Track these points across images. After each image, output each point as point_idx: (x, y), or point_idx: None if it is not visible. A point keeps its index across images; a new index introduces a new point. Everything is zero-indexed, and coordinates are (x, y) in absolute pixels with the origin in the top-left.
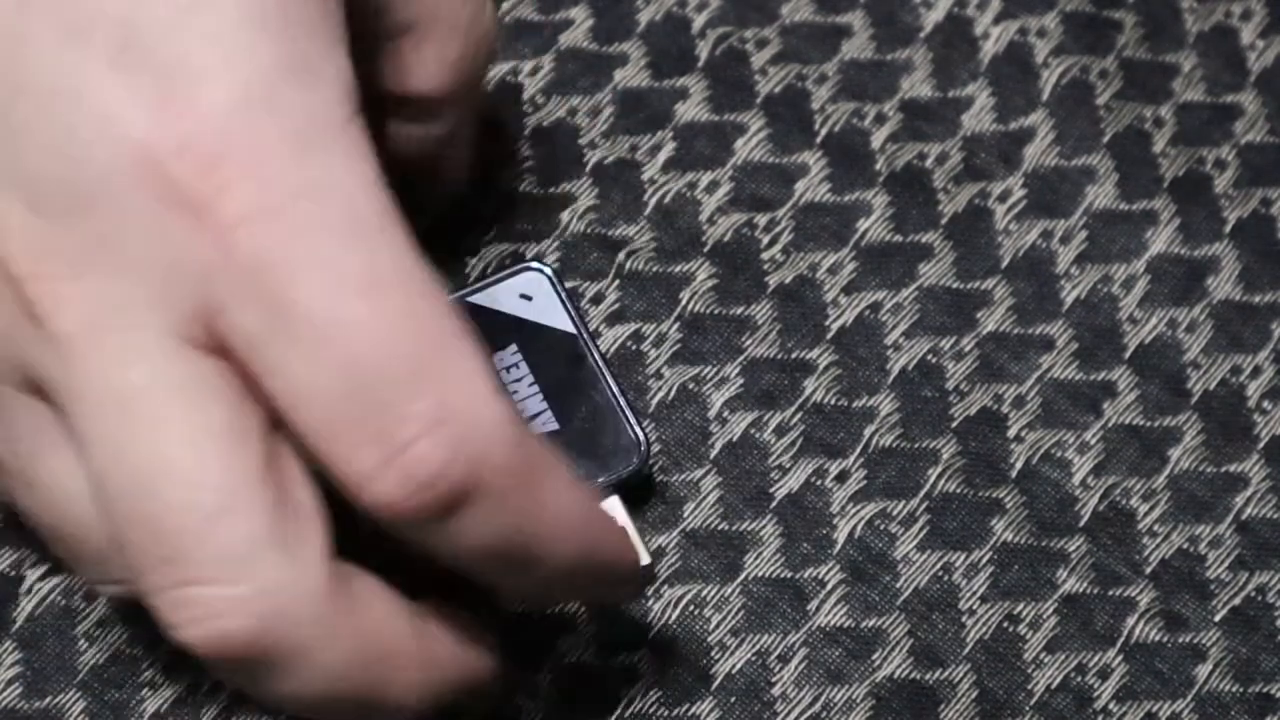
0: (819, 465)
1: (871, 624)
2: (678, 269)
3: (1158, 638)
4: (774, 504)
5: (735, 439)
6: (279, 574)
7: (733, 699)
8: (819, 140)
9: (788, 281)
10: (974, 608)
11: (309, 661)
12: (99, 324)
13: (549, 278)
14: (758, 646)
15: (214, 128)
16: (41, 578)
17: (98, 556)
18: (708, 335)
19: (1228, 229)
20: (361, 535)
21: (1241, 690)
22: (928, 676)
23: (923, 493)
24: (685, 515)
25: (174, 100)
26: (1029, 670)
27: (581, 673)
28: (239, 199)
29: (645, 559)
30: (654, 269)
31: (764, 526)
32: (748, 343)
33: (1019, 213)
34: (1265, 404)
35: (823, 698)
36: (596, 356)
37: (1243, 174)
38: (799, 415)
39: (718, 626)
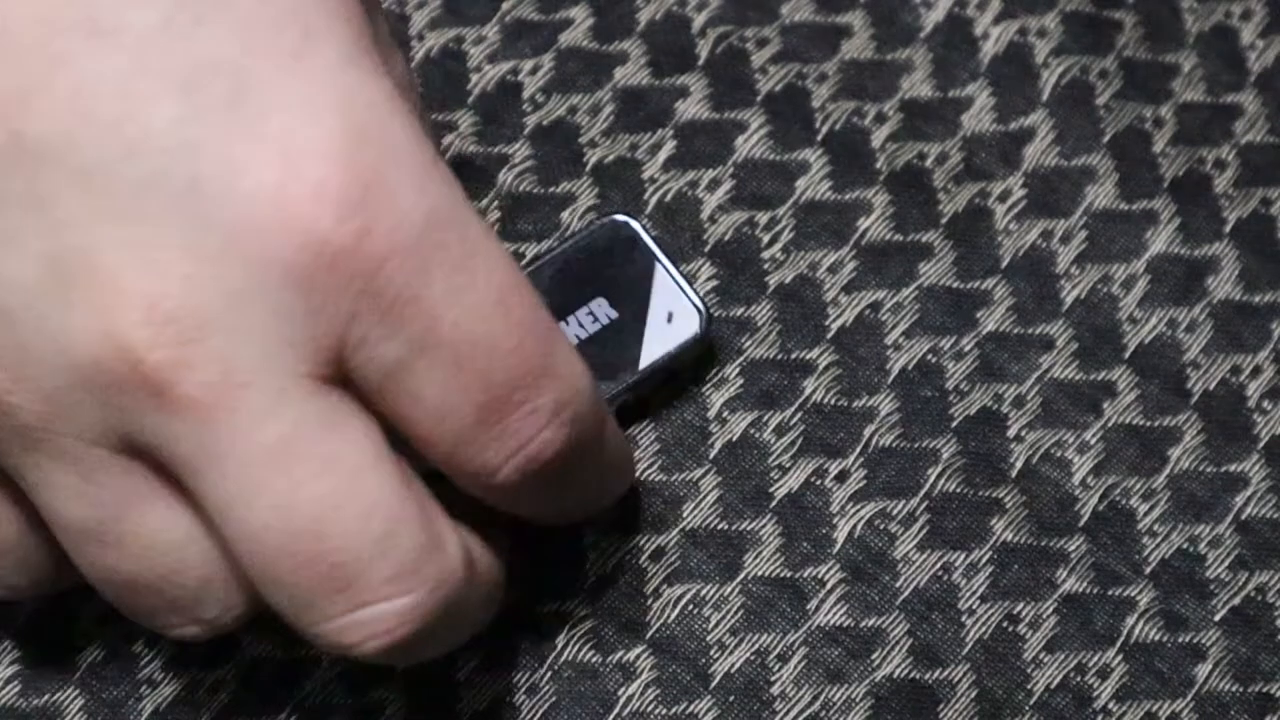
0: (819, 465)
1: (871, 623)
2: (679, 268)
3: (1157, 637)
4: (774, 504)
5: (735, 439)
6: (441, 569)
7: (731, 698)
8: (819, 139)
9: (788, 281)
10: (973, 607)
11: (466, 622)
12: (232, 381)
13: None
14: (757, 646)
15: (343, 176)
16: None
17: (188, 602)
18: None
19: (1228, 229)
20: None
21: (1241, 690)
22: (927, 676)
23: (922, 492)
24: (685, 515)
25: (294, 149)
26: (1028, 670)
27: (581, 671)
28: (379, 240)
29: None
30: None
31: (764, 526)
32: (747, 343)
33: (1019, 212)
34: (1265, 404)
35: (822, 697)
36: (648, 239)
37: (1243, 174)
38: (799, 415)
39: (717, 626)
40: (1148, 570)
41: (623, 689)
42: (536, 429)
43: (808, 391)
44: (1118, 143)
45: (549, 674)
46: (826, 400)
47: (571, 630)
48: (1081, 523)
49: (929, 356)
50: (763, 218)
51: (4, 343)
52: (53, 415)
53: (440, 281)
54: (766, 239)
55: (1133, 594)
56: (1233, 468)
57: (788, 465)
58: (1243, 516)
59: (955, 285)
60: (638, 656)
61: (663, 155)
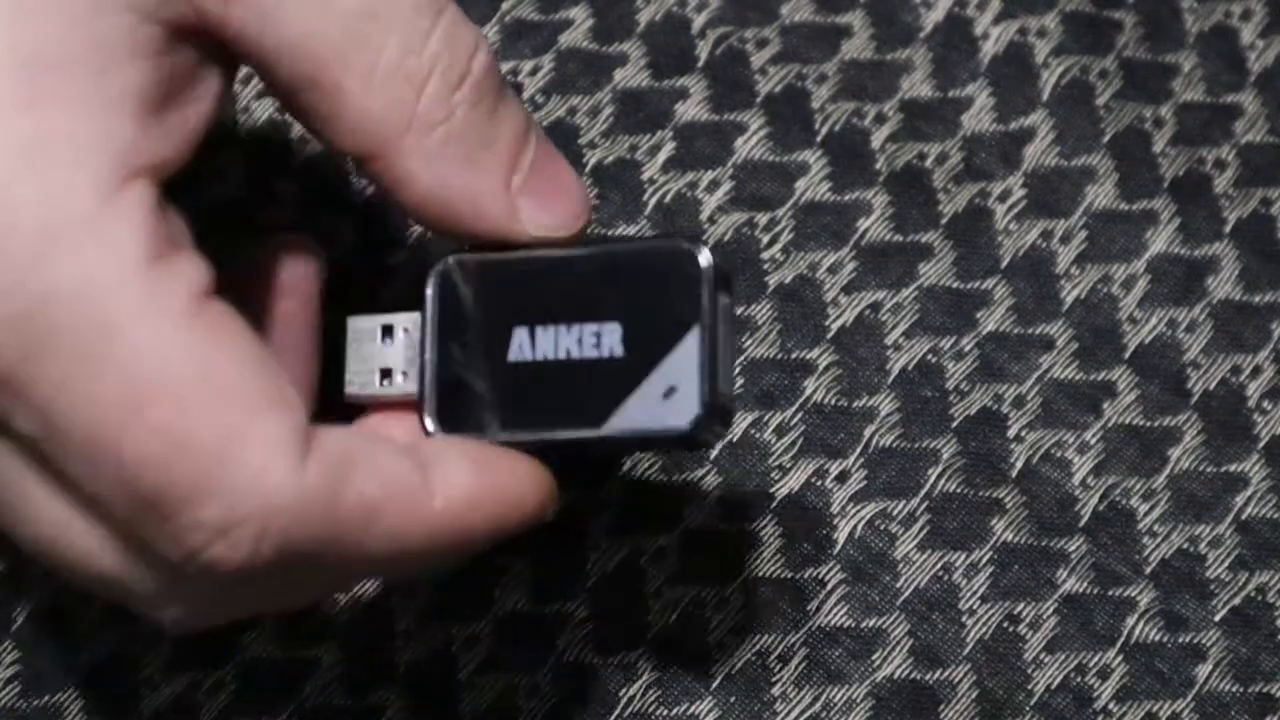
0: (819, 465)
1: (871, 624)
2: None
3: (1158, 638)
4: (774, 504)
5: (735, 439)
6: (265, 504)
7: (732, 699)
8: (819, 139)
9: (788, 281)
10: (974, 608)
11: (358, 560)
12: None
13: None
14: (757, 646)
15: None
16: (41, 577)
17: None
18: None
19: (1228, 229)
20: None
21: (1242, 690)
22: (928, 676)
23: (923, 493)
24: (685, 515)
25: None
26: (1029, 670)
27: (581, 672)
28: None
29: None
30: None
31: (764, 526)
32: (748, 343)
33: (1019, 212)
34: (1265, 404)
35: (822, 698)
36: (706, 292)
37: (1243, 174)
38: (799, 415)
39: (717, 626)
40: (1148, 570)
41: (624, 690)
42: (202, 543)
43: (808, 392)
44: (1118, 143)
45: (550, 675)
46: (827, 400)
47: (572, 631)
48: (1082, 523)
49: (929, 357)
50: (762, 218)
51: None
52: None
53: (53, 368)
54: (766, 240)
55: (1133, 594)
56: (1233, 468)
57: (788, 465)
58: (1243, 516)
59: (955, 285)
60: (639, 657)
61: (662, 156)
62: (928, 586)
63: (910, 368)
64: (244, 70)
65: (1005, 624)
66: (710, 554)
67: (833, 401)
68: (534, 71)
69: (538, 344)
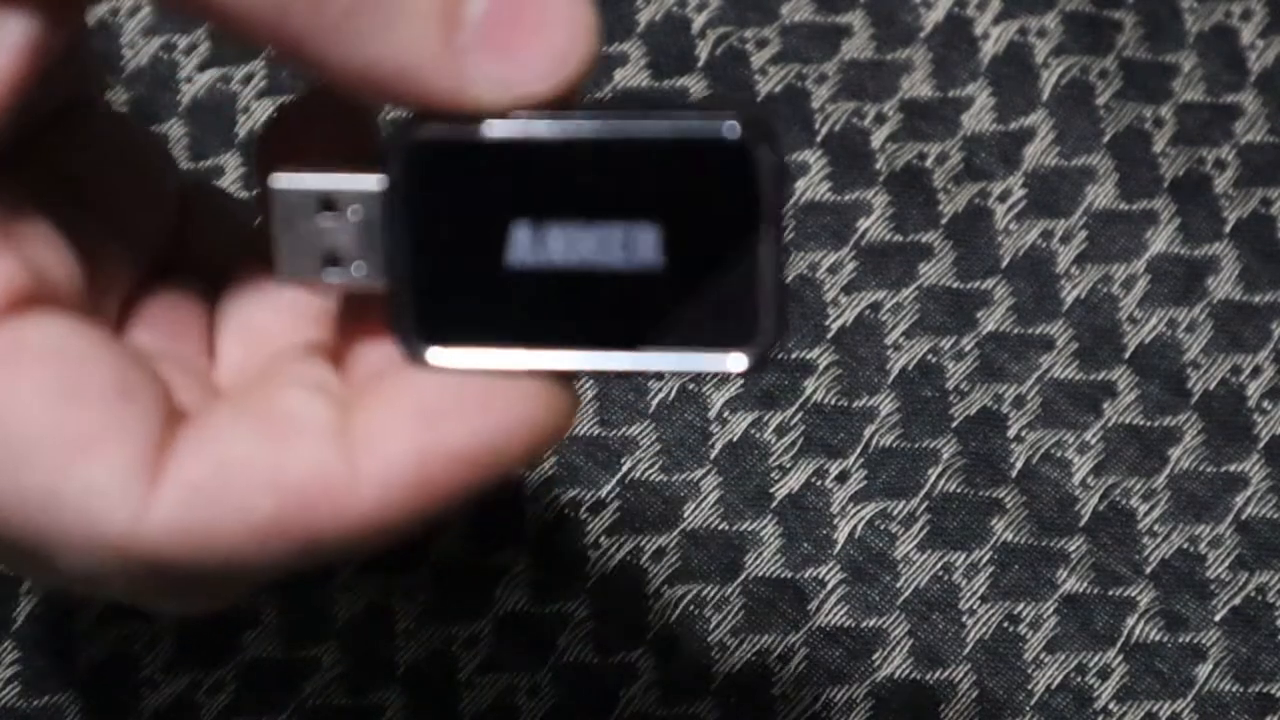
0: (819, 465)
1: (872, 624)
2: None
3: (1158, 637)
4: (774, 504)
5: (735, 439)
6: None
7: (733, 699)
8: (819, 139)
9: (788, 281)
10: (974, 608)
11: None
12: None
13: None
14: (758, 646)
15: None
16: None
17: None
18: None
19: (1228, 229)
20: None
21: (1242, 690)
22: (928, 676)
23: (923, 493)
24: (685, 515)
25: None
26: (1029, 670)
27: (581, 672)
28: None
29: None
30: None
31: (764, 526)
32: None
33: (1019, 212)
34: (1265, 404)
35: (823, 698)
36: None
37: (1243, 174)
38: (799, 415)
39: (718, 626)
40: (1148, 570)
41: (624, 690)
42: (81, 586)
43: (808, 391)
44: (1118, 143)
45: (550, 675)
46: (827, 400)
47: (573, 631)
48: (1082, 523)
49: (929, 356)
50: None
51: None
52: None
53: None
54: None
55: (1133, 594)
56: (1233, 468)
57: (788, 465)
58: (1243, 516)
59: (955, 285)
60: (639, 657)
61: None
62: (928, 586)
63: (910, 368)
64: (245, 71)
65: (1005, 624)
66: (710, 554)
67: (833, 401)
68: None
69: (545, 245)
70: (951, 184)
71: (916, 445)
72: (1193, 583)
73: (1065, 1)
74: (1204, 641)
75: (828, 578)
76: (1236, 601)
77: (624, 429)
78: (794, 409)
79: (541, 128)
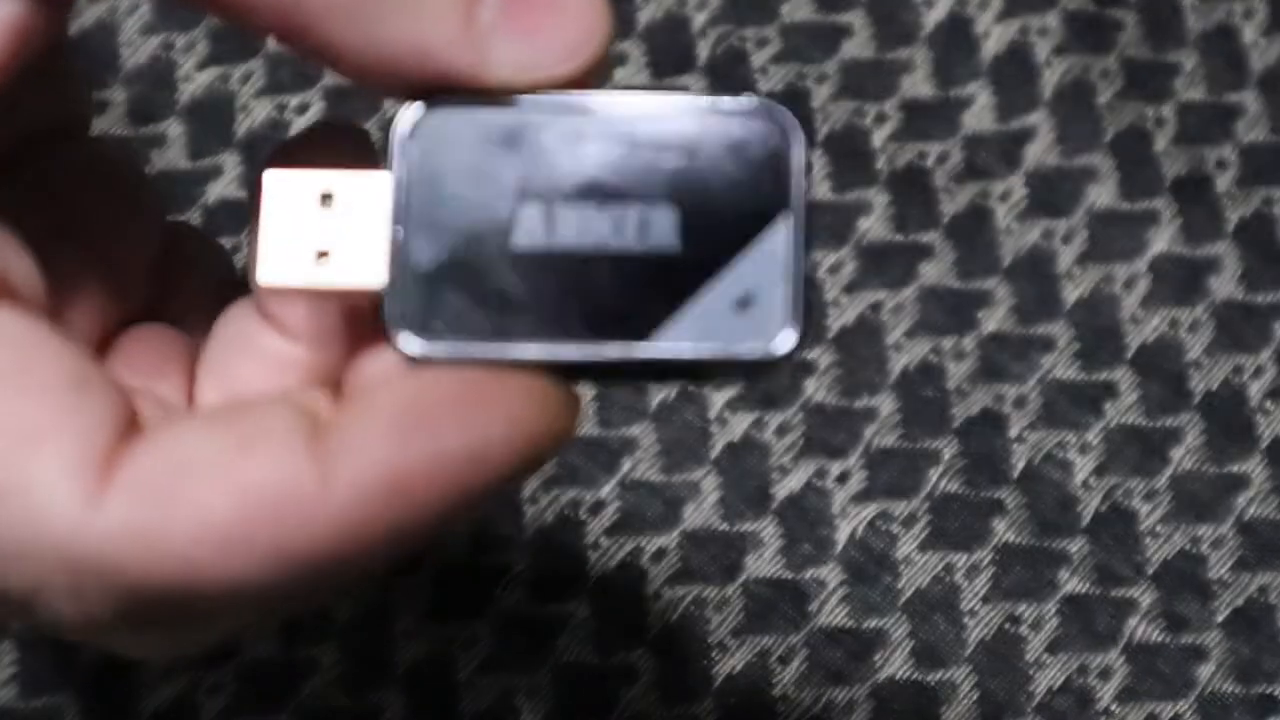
0: (820, 466)
1: (872, 625)
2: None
3: (1160, 638)
4: (775, 504)
5: (736, 439)
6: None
7: (733, 700)
8: (820, 139)
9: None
10: (975, 608)
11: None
12: None
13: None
14: (758, 647)
15: None
16: None
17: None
18: None
19: (1229, 228)
20: None
21: (1244, 691)
22: (929, 678)
23: (924, 493)
24: (686, 515)
25: None
26: (1030, 671)
27: (581, 672)
28: None
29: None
30: None
31: (765, 527)
32: None
33: (1020, 212)
34: (1267, 404)
35: (823, 699)
36: (798, 169)
37: (1244, 173)
38: (799, 415)
39: (718, 627)
40: (1150, 571)
41: (624, 691)
42: (20, 608)
43: (808, 392)
44: (1119, 142)
45: (550, 676)
46: (827, 401)
47: (572, 632)
48: (1083, 523)
49: (930, 357)
50: None
51: None
52: None
53: None
54: None
55: (1135, 595)
56: (1235, 468)
57: (789, 466)
58: (1245, 517)
59: (956, 285)
60: (639, 658)
61: None
62: (929, 587)
63: (911, 368)
64: (244, 69)
65: (1006, 625)
66: (710, 555)
67: (833, 402)
68: None
69: (556, 227)
70: (952, 183)
71: (917, 446)
72: (1194, 584)
73: (1066, 0)
74: (1206, 642)
75: (828, 578)
76: (1238, 602)
77: (624, 429)
78: (794, 409)
79: (555, 109)
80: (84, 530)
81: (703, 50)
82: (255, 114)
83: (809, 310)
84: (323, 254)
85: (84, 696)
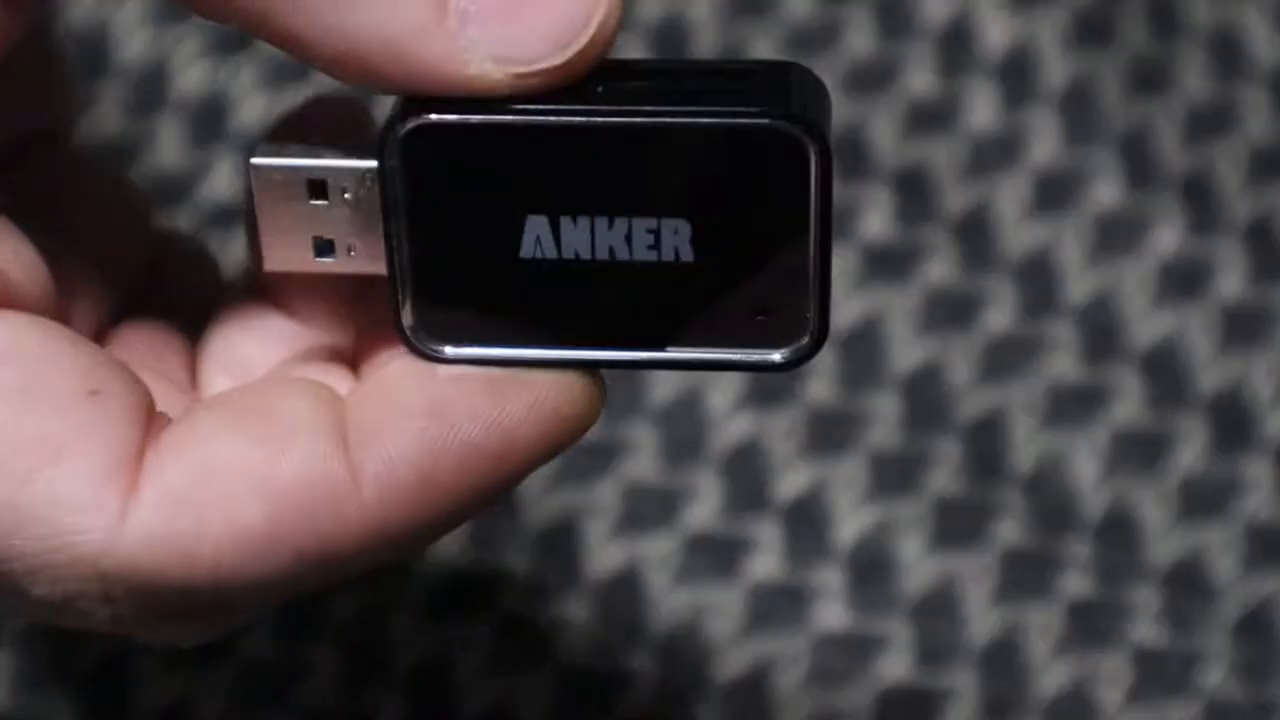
0: (820, 466)
1: (874, 627)
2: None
3: (1164, 642)
4: (775, 505)
5: (736, 439)
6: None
7: (733, 703)
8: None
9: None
10: (978, 611)
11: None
12: None
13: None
14: (758, 649)
15: None
16: None
17: None
18: None
19: (1234, 229)
20: None
21: (1250, 695)
22: (930, 681)
23: (925, 494)
24: (685, 517)
25: None
26: (1033, 675)
27: (580, 675)
28: None
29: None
30: None
31: (765, 528)
32: None
33: (1023, 211)
34: (1272, 404)
35: (824, 702)
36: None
37: (1249, 173)
38: (800, 416)
39: (718, 629)
40: (1154, 574)
41: (623, 693)
42: (56, 612)
43: (809, 392)
44: (1123, 141)
45: (549, 675)
46: (828, 401)
47: (571, 634)
48: (1086, 525)
49: (932, 356)
50: None
51: None
52: None
53: None
54: None
55: (1139, 598)
56: (1240, 470)
57: (789, 466)
58: (1251, 519)
59: (958, 285)
60: (638, 660)
61: None
62: (930, 589)
63: (913, 368)
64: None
65: (1009, 628)
66: (710, 556)
67: (834, 402)
68: None
69: (563, 240)
70: (954, 182)
71: (919, 446)
72: (1200, 586)
73: None
74: (1211, 646)
75: (829, 580)
76: (1244, 605)
77: (624, 429)
78: (795, 409)
79: (557, 111)
80: (115, 544)
81: (702, 46)
82: (250, 108)
83: (827, 320)
84: (321, 243)
85: (82, 696)
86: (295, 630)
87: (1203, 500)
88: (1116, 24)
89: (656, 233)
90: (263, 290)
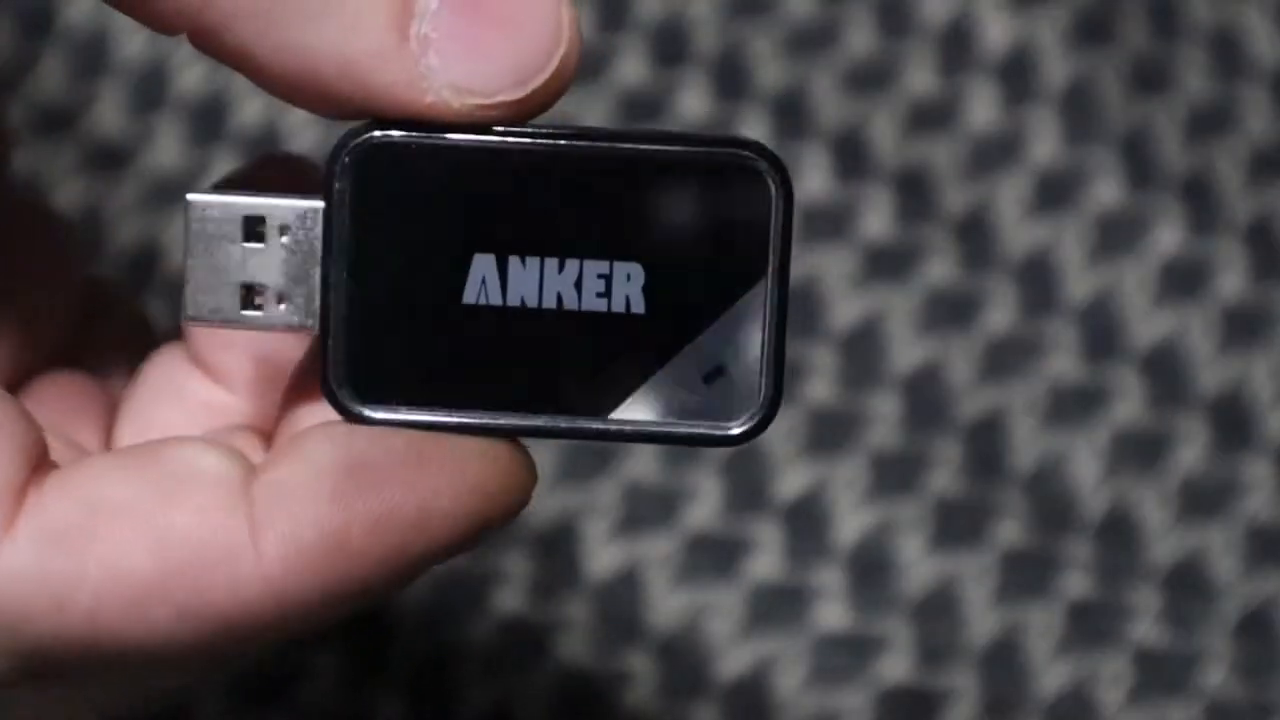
0: (820, 466)
1: (874, 627)
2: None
3: (1165, 642)
4: (774, 505)
5: None
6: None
7: (734, 704)
8: (819, 137)
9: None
10: (978, 611)
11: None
12: None
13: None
14: (759, 650)
15: None
16: None
17: None
18: None
19: (1233, 229)
20: None
21: (1250, 695)
22: (931, 681)
23: (925, 494)
24: (685, 517)
25: None
26: (1034, 675)
27: (580, 675)
28: None
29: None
30: None
31: (765, 528)
32: None
33: (1023, 211)
34: (1273, 405)
35: (824, 702)
36: (775, 226)
37: (1249, 173)
38: (800, 416)
39: (718, 629)
40: (1155, 574)
41: (623, 694)
42: None
43: (809, 392)
44: (1123, 141)
45: (549, 678)
46: (828, 401)
47: (571, 634)
48: (1087, 525)
49: (931, 356)
50: None
51: None
52: None
53: None
54: None
55: (1140, 598)
56: (1240, 470)
57: (789, 466)
58: (1251, 519)
59: (957, 285)
60: (638, 660)
61: None
62: (930, 589)
63: (912, 368)
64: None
65: (1009, 628)
66: (710, 556)
67: (834, 402)
68: None
69: (510, 283)
70: (954, 182)
71: (918, 446)
72: (1200, 586)
73: None
74: (1212, 646)
75: (829, 581)
76: (1245, 605)
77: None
78: (795, 409)
79: (513, 141)
80: None
81: (702, 46)
82: (248, 110)
83: (780, 388)
84: (252, 289)
85: None
86: None
87: (1203, 500)
88: (1117, 24)
89: (608, 278)
90: (195, 356)
